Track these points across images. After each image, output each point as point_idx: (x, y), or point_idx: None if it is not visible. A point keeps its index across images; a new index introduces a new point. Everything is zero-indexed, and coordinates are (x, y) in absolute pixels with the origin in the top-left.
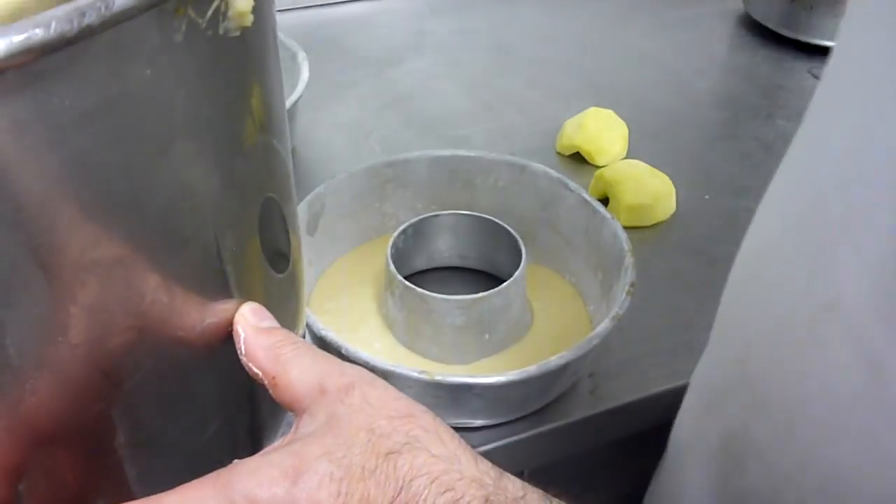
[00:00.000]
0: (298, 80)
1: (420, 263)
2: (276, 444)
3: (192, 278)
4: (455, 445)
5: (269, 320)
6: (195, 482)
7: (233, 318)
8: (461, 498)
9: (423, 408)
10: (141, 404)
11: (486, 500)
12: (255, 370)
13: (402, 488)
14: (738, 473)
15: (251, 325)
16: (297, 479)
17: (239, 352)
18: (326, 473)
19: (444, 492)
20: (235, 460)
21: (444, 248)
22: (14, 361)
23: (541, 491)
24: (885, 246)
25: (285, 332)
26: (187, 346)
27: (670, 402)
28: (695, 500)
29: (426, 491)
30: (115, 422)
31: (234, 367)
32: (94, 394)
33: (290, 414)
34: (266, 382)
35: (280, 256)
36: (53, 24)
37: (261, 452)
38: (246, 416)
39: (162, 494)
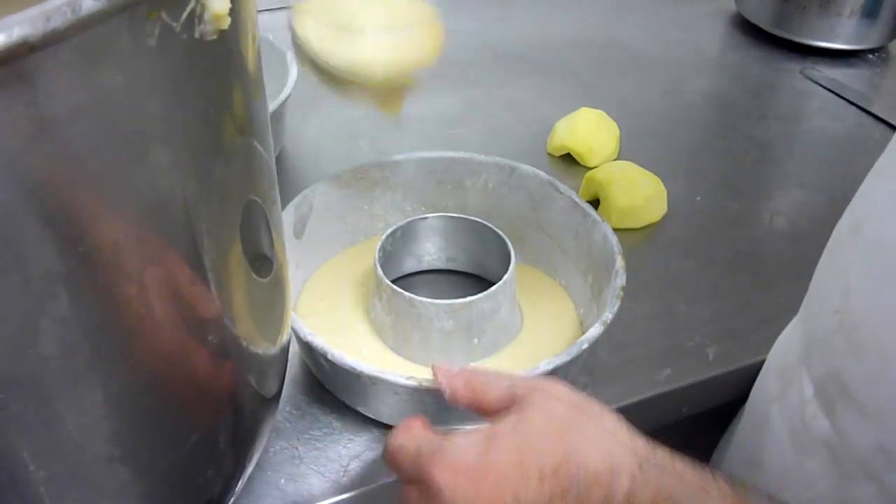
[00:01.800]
0: (287, 81)
1: (408, 266)
2: (484, 425)
3: (172, 285)
4: (614, 425)
5: (455, 366)
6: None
7: (214, 323)
8: (618, 460)
9: (592, 400)
10: (120, 415)
11: (639, 463)
12: (464, 406)
13: (569, 453)
14: (830, 416)
15: (446, 374)
16: (490, 445)
17: (447, 399)
18: (511, 442)
19: (604, 454)
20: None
21: (432, 251)
22: None
23: (688, 460)
24: None
25: (469, 369)
26: (167, 354)
27: (663, 405)
28: (775, 450)
29: (589, 457)
30: (95, 432)
31: (214, 376)
32: (67, 406)
33: (278, 419)
34: (473, 409)
35: (263, 260)
36: (16, 30)
37: (469, 429)
38: (227, 426)
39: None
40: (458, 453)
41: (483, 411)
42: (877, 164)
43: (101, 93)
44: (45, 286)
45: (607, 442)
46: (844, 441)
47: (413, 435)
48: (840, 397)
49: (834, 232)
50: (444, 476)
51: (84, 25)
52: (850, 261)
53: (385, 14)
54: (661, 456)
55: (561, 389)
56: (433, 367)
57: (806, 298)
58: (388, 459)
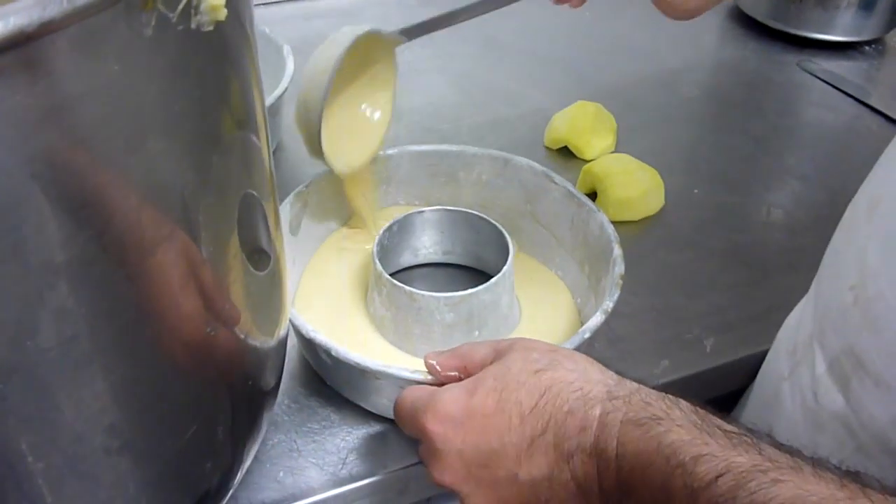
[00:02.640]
0: (284, 74)
1: (405, 260)
2: (469, 379)
3: (168, 277)
4: (586, 363)
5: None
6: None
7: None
8: (589, 392)
9: (564, 348)
10: (118, 407)
11: (608, 392)
12: (454, 374)
13: (546, 390)
14: (844, 391)
15: (435, 354)
16: (473, 392)
17: (436, 374)
18: (492, 387)
19: (576, 390)
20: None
21: (429, 245)
22: None
23: (648, 387)
24: None
25: (453, 349)
26: (164, 346)
27: None
28: (787, 428)
29: (562, 391)
30: (94, 424)
31: (211, 368)
32: (66, 397)
33: (277, 412)
34: (465, 374)
35: (261, 254)
36: (12, 19)
37: (453, 384)
38: (225, 419)
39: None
40: (445, 403)
41: (472, 374)
42: (893, 142)
43: (97, 83)
44: (44, 276)
45: (579, 378)
46: (859, 415)
47: (410, 391)
48: (855, 371)
49: (848, 209)
50: (434, 426)
51: (80, 15)
52: (866, 237)
53: None
54: (629, 386)
55: (537, 342)
56: (425, 356)
57: (817, 278)
58: (396, 419)
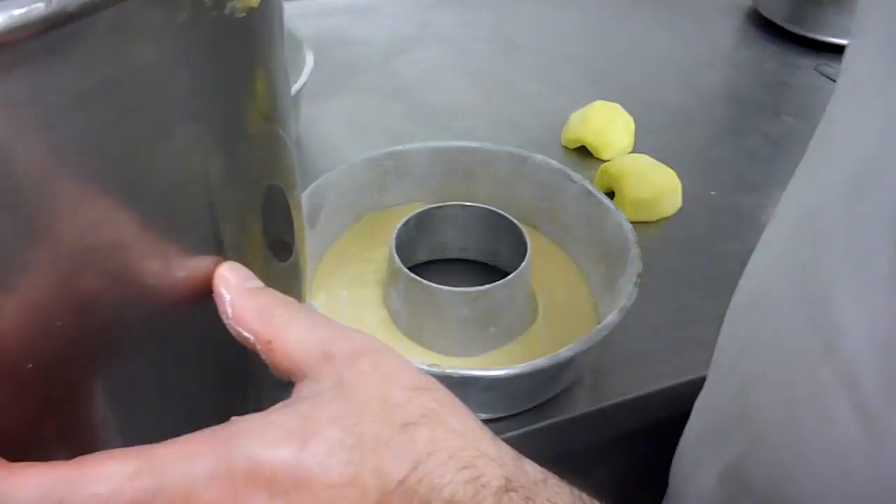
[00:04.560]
0: (302, 70)
1: (422, 255)
2: (276, 406)
3: (192, 266)
4: (473, 423)
5: (253, 280)
6: (189, 436)
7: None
8: (481, 476)
9: (436, 381)
10: (135, 392)
11: (507, 480)
12: (246, 334)
13: (419, 462)
14: None
15: (236, 287)
16: (305, 443)
17: (224, 315)
18: (337, 440)
19: (463, 468)
20: (233, 417)
21: (445, 240)
22: (7, 348)
23: (557, 477)
24: (884, 292)
25: (274, 292)
26: (186, 334)
27: (674, 397)
28: None
29: (444, 467)
30: (108, 410)
31: (234, 358)
32: (87, 381)
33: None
34: (259, 348)
35: (283, 245)
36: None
37: (260, 413)
38: (247, 407)
39: (153, 445)
40: (262, 455)
41: (271, 357)
42: (764, 236)
43: (132, 67)
44: (75, 260)
45: (468, 448)
46: None
47: (145, 465)
48: (743, 494)
49: (730, 307)
50: (245, 495)
51: None
52: (746, 343)
53: None
54: (532, 473)
55: (394, 359)
56: (219, 270)
57: (710, 369)
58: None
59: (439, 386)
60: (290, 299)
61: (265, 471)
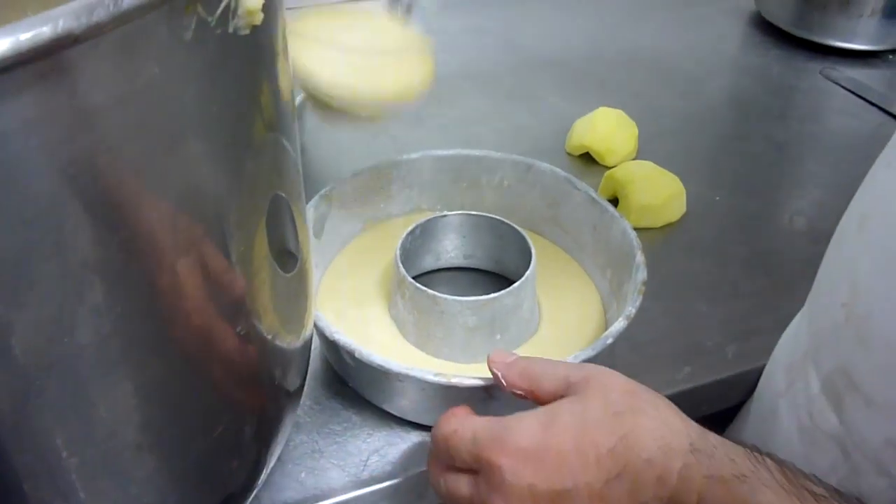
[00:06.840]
0: None
1: (427, 264)
2: (540, 408)
3: (200, 277)
4: (668, 412)
5: (511, 355)
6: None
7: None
8: (670, 443)
9: (643, 386)
10: (149, 406)
11: (691, 445)
12: (520, 392)
13: (625, 434)
14: (837, 410)
15: (502, 363)
16: (548, 426)
17: (501, 385)
18: (568, 423)
19: (657, 438)
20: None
21: (450, 249)
22: (20, 361)
23: (739, 444)
24: None
25: (524, 357)
26: (195, 346)
27: (681, 404)
28: (784, 445)
29: (642, 438)
30: (126, 421)
31: (240, 367)
32: (100, 394)
33: (299, 413)
34: (529, 398)
35: (289, 255)
36: (61, 22)
37: (529, 411)
38: (252, 418)
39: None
40: (518, 436)
41: (538, 399)
42: (881, 157)
43: (138, 84)
44: (82, 275)
45: (661, 426)
46: (853, 436)
47: (466, 421)
48: (848, 391)
49: (839, 225)
50: (505, 459)
51: (125, 18)
52: (857, 254)
53: (369, 37)
54: (713, 440)
55: (614, 377)
56: (489, 357)
57: (811, 293)
58: (441, 447)
59: (645, 389)
60: (537, 357)
61: (523, 444)
